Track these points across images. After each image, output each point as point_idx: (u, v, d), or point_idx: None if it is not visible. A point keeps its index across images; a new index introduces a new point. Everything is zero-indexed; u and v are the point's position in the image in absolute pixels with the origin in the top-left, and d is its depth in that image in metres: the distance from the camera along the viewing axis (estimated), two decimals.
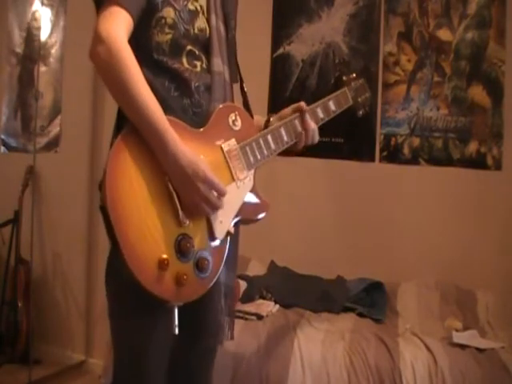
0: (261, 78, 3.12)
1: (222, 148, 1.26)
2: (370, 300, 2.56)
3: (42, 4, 3.37)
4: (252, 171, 1.33)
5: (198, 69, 1.29)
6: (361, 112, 1.74)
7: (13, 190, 3.21)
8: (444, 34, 2.85)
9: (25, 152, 3.40)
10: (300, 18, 3.10)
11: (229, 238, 1.25)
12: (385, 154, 2.94)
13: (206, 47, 1.31)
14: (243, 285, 2.58)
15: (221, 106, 1.29)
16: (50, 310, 3.36)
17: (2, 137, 3.56)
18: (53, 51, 3.37)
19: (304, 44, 3.09)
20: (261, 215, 1.35)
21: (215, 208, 1.18)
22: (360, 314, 2.45)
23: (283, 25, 3.13)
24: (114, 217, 1.07)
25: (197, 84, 1.27)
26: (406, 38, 2.92)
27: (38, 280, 3.31)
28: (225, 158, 1.26)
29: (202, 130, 1.24)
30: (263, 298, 2.56)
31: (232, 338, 1.43)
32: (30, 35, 3.44)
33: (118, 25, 1.12)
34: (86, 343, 3.29)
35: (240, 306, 2.41)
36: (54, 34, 3.37)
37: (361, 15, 2.99)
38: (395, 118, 2.91)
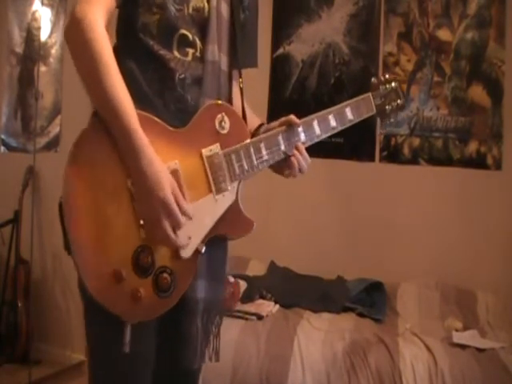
0: (261, 78, 3.11)
1: (201, 154, 1.11)
2: (370, 300, 2.56)
3: (42, 4, 3.37)
4: (235, 183, 1.15)
5: (189, 57, 1.14)
6: (388, 122, 1.51)
7: (13, 189, 3.21)
8: (444, 34, 2.85)
9: (25, 152, 3.41)
10: (300, 17, 3.10)
11: (200, 256, 1.11)
12: (385, 154, 2.94)
13: (203, 30, 1.15)
14: (243, 285, 2.58)
15: (207, 103, 1.13)
16: (50, 310, 3.36)
17: (2, 137, 3.56)
18: (53, 51, 3.37)
19: (304, 44, 3.10)
20: (241, 234, 1.17)
21: (166, 237, 1.02)
22: (360, 314, 2.45)
23: (283, 25, 3.13)
24: (68, 217, 0.97)
25: (182, 76, 1.12)
26: (406, 38, 2.92)
27: (37, 280, 3.31)
28: (204, 165, 1.11)
29: (182, 130, 1.10)
30: (263, 297, 2.56)
31: (217, 359, 1.27)
32: (30, 35, 3.45)
33: (97, 5, 1.02)
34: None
35: (240, 306, 2.41)
36: (54, 34, 3.37)
37: (361, 15, 2.99)
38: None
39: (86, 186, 0.99)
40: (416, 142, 2.88)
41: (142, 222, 1.02)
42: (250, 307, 2.41)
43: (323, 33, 3.06)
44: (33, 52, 3.42)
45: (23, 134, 3.48)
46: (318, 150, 3.36)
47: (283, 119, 1.26)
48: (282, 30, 3.13)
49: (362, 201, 2.94)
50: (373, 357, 2.03)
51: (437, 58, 2.86)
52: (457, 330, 2.25)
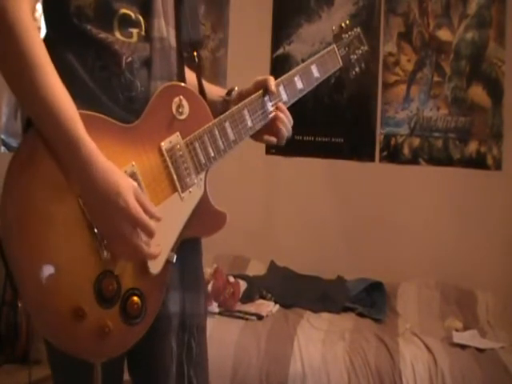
0: None
1: (160, 147, 0.96)
2: (370, 300, 2.56)
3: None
4: (202, 174, 1.01)
5: (134, 38, 0.98)
6: (354, 72, 1.34)
7: None
8: (444, 34, 2.85)
9: None
10: (300, 17, 3.10)
11: (170, 266, 0.97)
12: (385, 154, 2.94)
13: (146, 5, 1.00)
14: (243, 285, 2.58)
15: (161, 87, 0.98)
16: None
17: (2, 137, 3.56)
18: None
19: (304, 44, 3.10)
20: (214, 232, 1.04)
21: (138, 251, 0.88)
22: (360, 314, 2.46)
23: (283, 25, 3.13)
24: (11, 251, 0.82)
25: (129, 59, 0.97)
26: (406, 38, 2.92)
27: None
28: (165, 161, 0.96)
29: (135, 124, 0.94)
30: (263, 297, 2.56)
31: None
32: None
33: None
34: None
35: (240, 306, 2.41)
36: None
37: (361, 15, 3.00)
38: (395, 118, 2.91)
39: (30, 212, 0.84)
40: (416, 141, 2.88)
41: (101, 244, 0.88)
42: (250, 307, 2.41)
43: (323, 33, 3.06)
44: None
45: (23, 134, 3.48)
46: (318, 150, 3.35)
47: (258, 80, 1.13)
48: (282, 30, 3.13)
49: (362, 201, 2.94)
50: (373, 357, 2.03)
51: (437, 58, 2.86)
52: (457, 330, 2.26)
